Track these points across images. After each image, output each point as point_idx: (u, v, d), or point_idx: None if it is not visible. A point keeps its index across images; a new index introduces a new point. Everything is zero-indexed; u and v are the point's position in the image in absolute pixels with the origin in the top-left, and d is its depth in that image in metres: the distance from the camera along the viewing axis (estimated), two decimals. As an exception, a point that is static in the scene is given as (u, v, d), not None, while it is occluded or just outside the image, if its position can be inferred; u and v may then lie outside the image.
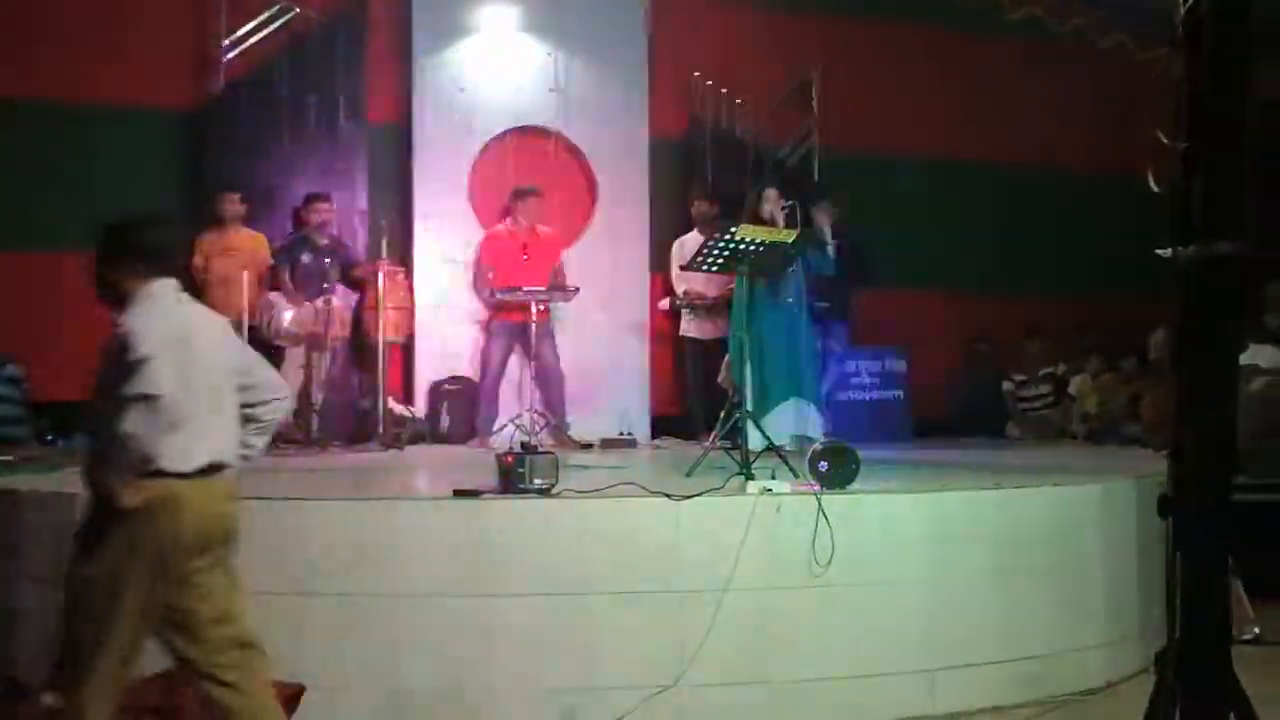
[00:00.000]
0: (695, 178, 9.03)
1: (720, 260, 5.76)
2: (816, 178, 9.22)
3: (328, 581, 4.41)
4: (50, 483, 5.05)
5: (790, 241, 5.90)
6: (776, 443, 5.64)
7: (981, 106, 9.65)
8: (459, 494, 4.61)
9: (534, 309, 7.73)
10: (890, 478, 5.55)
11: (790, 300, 6.69)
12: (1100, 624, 5.19)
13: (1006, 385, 9.72)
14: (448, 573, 4.45)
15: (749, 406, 5.64)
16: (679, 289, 8.46)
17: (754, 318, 6.25)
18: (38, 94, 7.88)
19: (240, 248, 7.83)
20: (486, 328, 8.30)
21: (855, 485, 4.92)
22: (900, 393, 8.76)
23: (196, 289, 7.79)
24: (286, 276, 7.77)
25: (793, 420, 6.55)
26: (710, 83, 9.06)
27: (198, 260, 7.85)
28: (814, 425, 6.62)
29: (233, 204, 7.86)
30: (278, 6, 8.18)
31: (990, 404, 9.68)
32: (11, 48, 7.85)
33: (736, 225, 5.80)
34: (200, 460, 3.37)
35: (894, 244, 8.84)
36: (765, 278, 6.43)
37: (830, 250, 7.65)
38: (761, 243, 5.68)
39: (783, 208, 6.71)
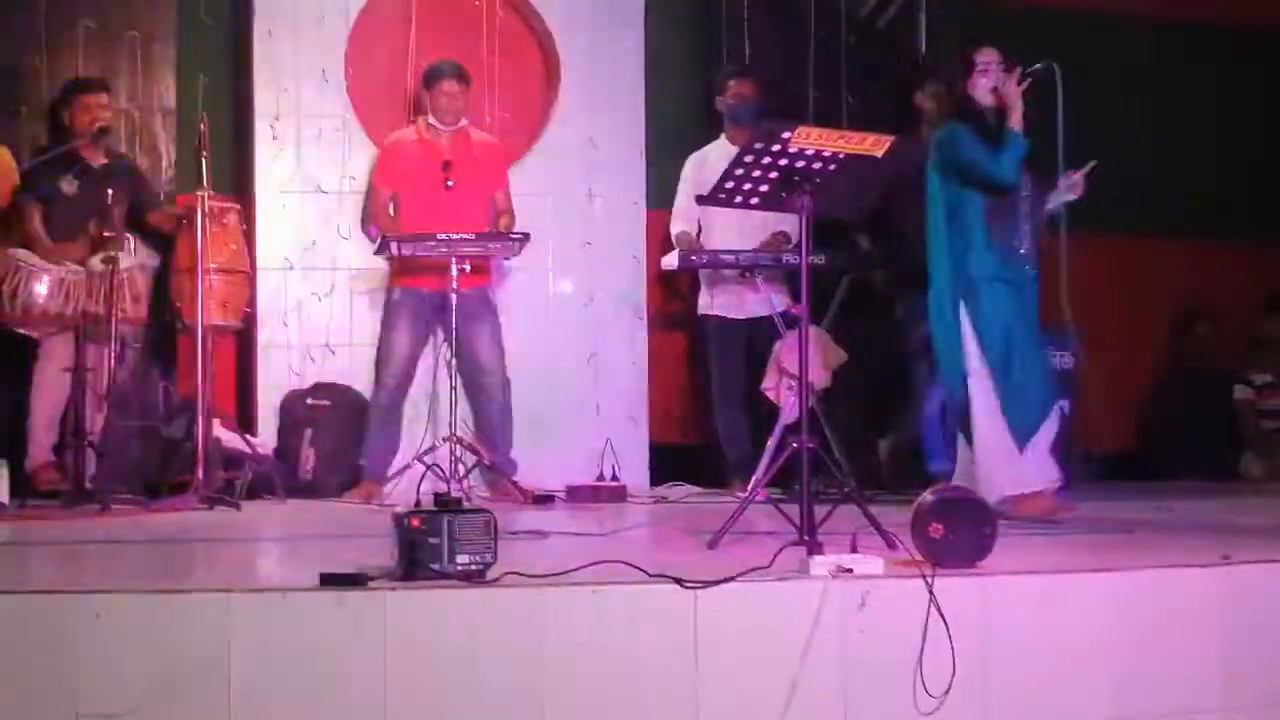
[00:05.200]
0: (723, 51, 9.03)
1: (764, 188, 5.73)
2: (924, 48, 9.23)
3: (111, 730, 4.38)
4: None
5: (881, 155, 5.84)
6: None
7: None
8: (329, 581, 4.58)
9: (455, 270, 7.75)
10: (1049, 548, 5.54)
11: (1025, 250, 6.66)
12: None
13: (1240, 392, 9.72)
14: (313, 711, 4.42)
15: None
16: (673, 230, 8.50)
17: (971, 274, 6.36)
18: None
19: (-34, 172, 7.83)
20: (385, 301, 8.34)
21: (990, 561, 4.90)
22: (1065, 405, 8.74)
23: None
24: (38, 219, 7.77)
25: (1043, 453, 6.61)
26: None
27: (-107, 194, 7.87)
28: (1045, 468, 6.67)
29: (-48, 102, 7.88)
30: None
31: (1214, 422, 9.67)
32: None
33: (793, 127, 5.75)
34: None
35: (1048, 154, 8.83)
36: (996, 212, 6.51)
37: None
38: (834, 157, 5.64)
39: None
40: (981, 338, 6.53)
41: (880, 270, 8.34)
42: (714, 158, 8.11)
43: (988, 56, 6.69)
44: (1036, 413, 6.56)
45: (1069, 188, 6.75)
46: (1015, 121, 6.55)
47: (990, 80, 6.64)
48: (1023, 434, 6.51)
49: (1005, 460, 6.51)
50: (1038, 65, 6.52)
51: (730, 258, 8.22)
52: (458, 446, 7.74)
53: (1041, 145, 6.57)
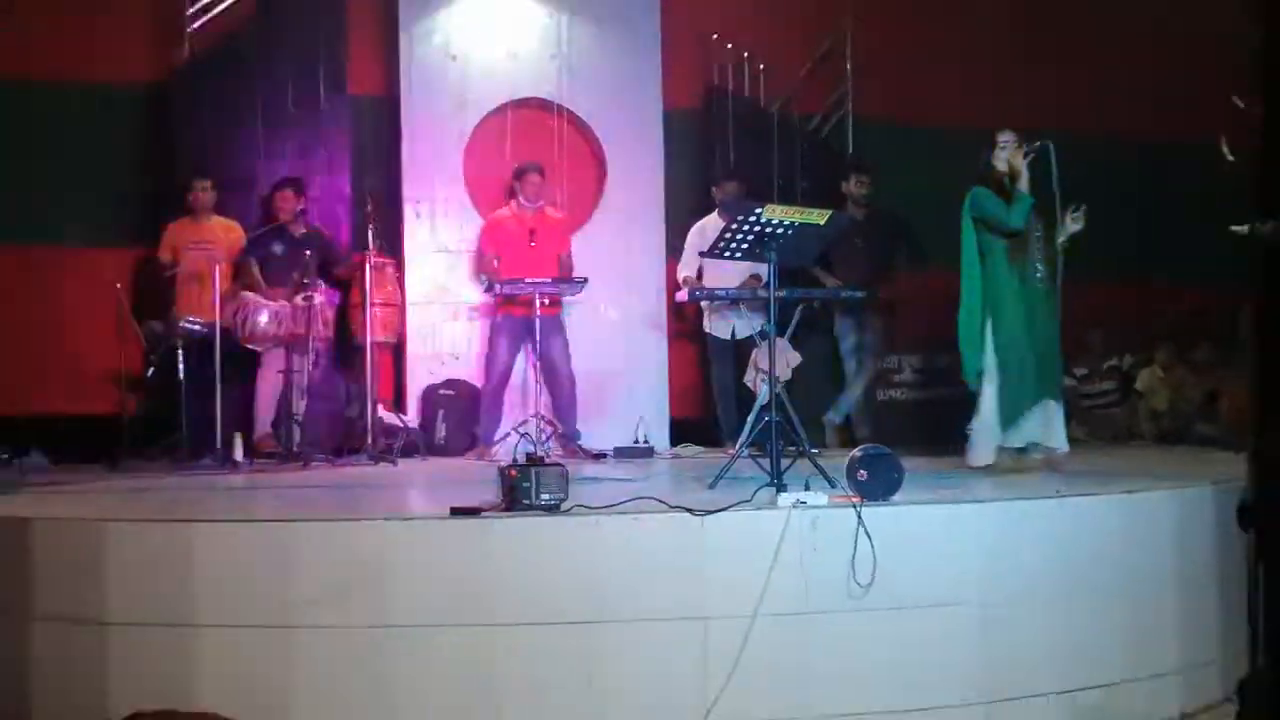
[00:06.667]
0: (715, 154, 9.02)
1: (745, 245, 5.74)
2: (850, 150, 9.21)
3: (311, 613, 4.41)
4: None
5: (823, 223, 5.84)
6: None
7: (1034, 68, 9.48)
8: (457, 512, 4.60)
9: (537, 302, 7.75)
10: (938, 487, 5.52)
11: (1040, 275, 6.38)
12: (1175, 648, 5.16)
13: (1067, 381, 9.62)
14: (444, 601, 4.44)
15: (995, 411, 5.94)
16: (680, 275, 8.42)
17: (998, 297, 6.24)
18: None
19: (213, 239, 7.87)
20: (490, 324, 8.31)
21: (899, 496, 4.90)
22: (948, 391, 8.70)
23: (165, 286, 7.86)
24: (258, 271, 7.80)
25: (1041, 426, 6.38)
26: (730, 46, 9.04)
27: (165, 254, 7.89)
28: (1060, 433, 6.42)
29: (205, 192, 7.90)
30: (247, -32, 8.21)
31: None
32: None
33: (764, 205, 5.75)
34: None
35: (936, 223, 8.82)
36: (1022, 250, 6.32)
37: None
38: (791, 224, 5.65)
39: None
40: (996, 343, 6.28)
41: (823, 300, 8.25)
42: (710, 225, 8.06)
43: (1006, 136, 6.42)
44: (1022, 404, 6.26)
45: (1074, 220, 6.42)
46: (1023, 184, 6.32)
47: (1006, 153, 6.40)
48: (1006, 420, 6.27)
49: (988, 436, 6.32)
50: (1036, 144, 6.26)
51: (722, 293, 8.18)
52: (541, 421, 7.74)
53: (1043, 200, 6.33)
